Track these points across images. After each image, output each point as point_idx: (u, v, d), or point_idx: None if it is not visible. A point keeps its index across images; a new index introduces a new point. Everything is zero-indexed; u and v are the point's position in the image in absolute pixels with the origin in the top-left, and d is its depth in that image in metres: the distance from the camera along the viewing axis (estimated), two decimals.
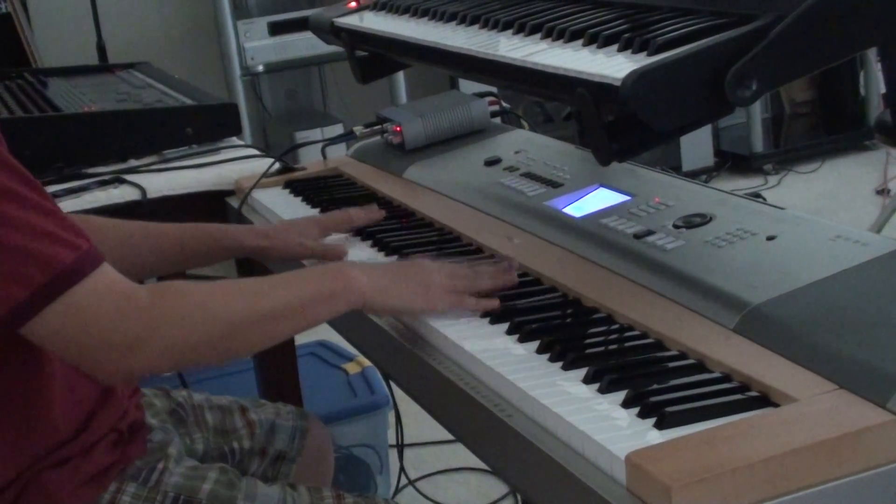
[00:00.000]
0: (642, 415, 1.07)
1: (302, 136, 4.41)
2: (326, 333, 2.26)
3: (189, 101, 2.42)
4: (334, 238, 1.71)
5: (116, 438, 1.39)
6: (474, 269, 1.40)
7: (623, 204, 1.56)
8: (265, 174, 2.06)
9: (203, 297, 1.26)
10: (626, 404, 1.09)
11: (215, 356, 1.32)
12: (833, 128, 5.32)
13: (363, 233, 1.72)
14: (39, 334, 1.18)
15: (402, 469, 2.50)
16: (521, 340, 1.27)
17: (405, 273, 1.36)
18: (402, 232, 1.71)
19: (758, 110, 5.08)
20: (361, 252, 1.65)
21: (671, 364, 1.17)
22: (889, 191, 4.52)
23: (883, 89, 5.15)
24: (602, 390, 1.13)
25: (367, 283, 1.32)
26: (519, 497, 2.60)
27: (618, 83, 1.19)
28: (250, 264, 2.04)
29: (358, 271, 1.33)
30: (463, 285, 1.36)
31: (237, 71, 4.47)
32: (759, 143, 5.06)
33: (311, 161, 2.25)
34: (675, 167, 4.83)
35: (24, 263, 1.15)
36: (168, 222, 1.69)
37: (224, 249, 1.68)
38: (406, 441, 2.35)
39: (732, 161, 5.11)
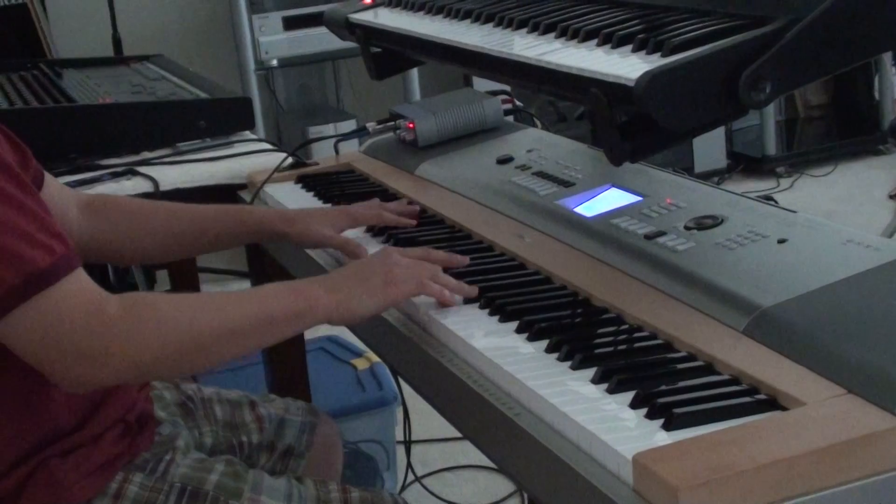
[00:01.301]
0: (650, 416, 1.07)
1: (315, 131, 4.41)
2: (336, 328, 2.27)
3: (203, 95, 2.43)
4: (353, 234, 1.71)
5: (124, 429, 1.40)
6: (437, 259, 1.43)
7: (634, 204, 1.56)
8: (278, 168, 2.06)
9: (171, 312, 1.26)
10: (635, 405, 1.09)
11: (179, 370, 1.35)
12: (847, 132, 5.30)
13: (374, 229, 1.72)
14: (8, 335, 1.19)
15: (408, 465, 2.50)
16: (531, 339, 1.27)
17: (365, 276, 1.37)
18: (414, 229, 1.71)
19: (771, 113, 5.06)
20: (374, 248, 1.66)
21: (680, 365, 1.17)
22: None
23: None
24: (610, 390, 1.13)
25: (330, 300, 1.33)
26: (525, 496, 2.60)
27: (631, 84, 1.19)
28: (259, 251, 2.05)
29: (320, 289, 1.34)
30: (423, 274, 1.37)
31: (251, 65, 4.47)
32: (772, 146, 5.04)
33: (323, 156, 2.26)
34: (687, 168, 4.82)
35: None
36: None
37: (249, 232, 1.68)
38: (413, 437, 2.35)
39: (745, 163, 5.09)
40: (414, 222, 1.69)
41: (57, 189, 1.58)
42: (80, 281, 1.22)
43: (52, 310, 1.18)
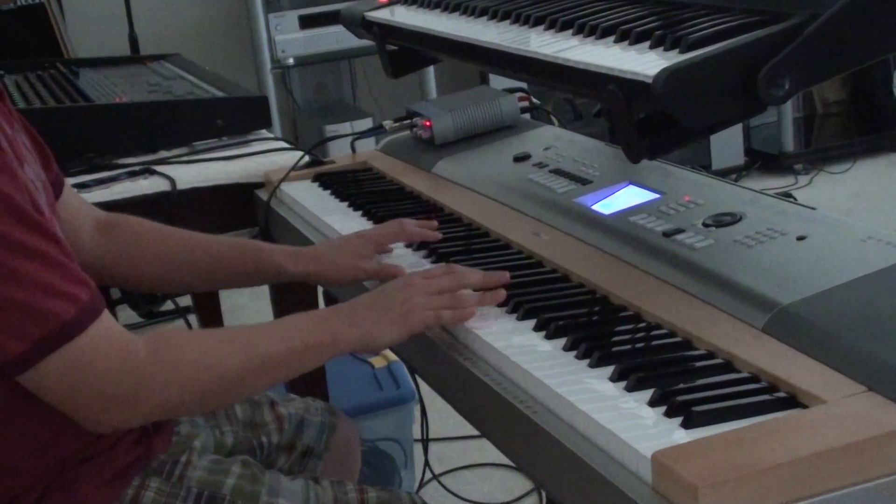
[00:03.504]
0: (669, 414, 1.06)
1: (331, 129, 4.42)
2: None
3: (219, 94, 2.43)
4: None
5: (140, 434, 1.40)
6: (461, 280, 1.39)
7: (652, 202, 1.56)
8: (294, 167, 2.06)
9: (199, 352, 1.26)
10: (653, 403, 1.09)
11: (206, 408, 1.44)
12: (865, 128, 5.28)
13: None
14: (35, 384, 1.19)
15: (426, 463, 2.50)
16: (549, 337, 1.27)
17: (387, 305, 1.36)
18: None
19: (789, 109, 5.04)
20: (392, 250, 1.66)
21: (699, 363, 1.17)
22: None
23: None
24: (629, 388, 1.12)
25: (351, 332, 1.33)
26: (543, 494, 2.60)
27: (649, 80, 1.18)
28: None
29: (343, 322, 1.34)
30: (441, 303, 1.35)
31: (268, 63, 4.49)
32: (789, 143, 5.03)
33: (340, 155, 2.26)
34: (705, 165, 4.80)
35: (22, 318, 1.15)
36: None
37: (264, 273, 1.64)
38: (431, 436, 2.35)
39: (763, 160, 5.08)
40: (439, 235, 1.64)
41: (75, 203, 1.57)
42: (105, 327, 1.21)
43: (78, 359, 1.18)
